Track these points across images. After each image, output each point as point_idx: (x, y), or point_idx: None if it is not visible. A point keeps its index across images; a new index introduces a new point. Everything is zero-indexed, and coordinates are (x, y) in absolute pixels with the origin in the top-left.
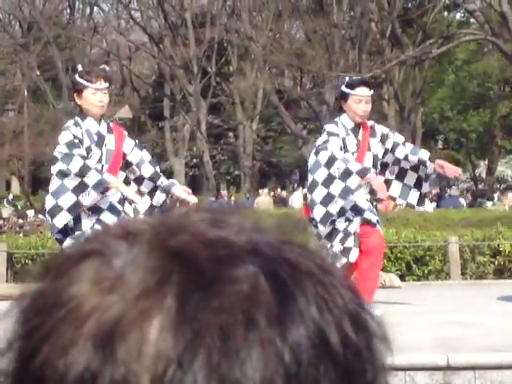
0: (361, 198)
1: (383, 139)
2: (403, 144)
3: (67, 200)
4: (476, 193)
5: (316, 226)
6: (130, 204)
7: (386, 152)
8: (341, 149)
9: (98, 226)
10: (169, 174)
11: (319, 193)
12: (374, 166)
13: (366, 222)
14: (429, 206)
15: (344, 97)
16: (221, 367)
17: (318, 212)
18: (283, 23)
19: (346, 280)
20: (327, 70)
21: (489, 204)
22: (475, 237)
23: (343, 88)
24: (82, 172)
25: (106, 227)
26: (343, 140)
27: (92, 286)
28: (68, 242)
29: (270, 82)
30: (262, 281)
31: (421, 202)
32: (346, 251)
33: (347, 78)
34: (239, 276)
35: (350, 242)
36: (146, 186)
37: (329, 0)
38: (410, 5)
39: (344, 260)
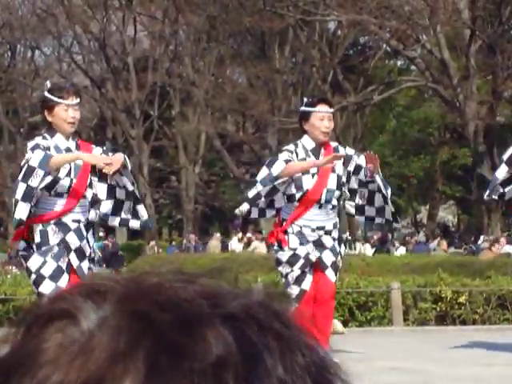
0: (327, 237)
1: (346, 162)
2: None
3: (19, 190)
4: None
5: (277, 251)
6: (93, 234)
7: (348, 175)
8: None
9: (61, 246)
10: None
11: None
12: (338, 187)
13: (320, 264)
14: (368, 250)
15: (305, 116)
16: None
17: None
18: (225, 68)
19: (313, 339)
20: (269, 115)
21: (399, 251)
22: (417, 283)
23: (303, 108)
24: (28, 159)
25: (74, 285)
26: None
27: (61, 350)
28: (35, 257)
29: (213, 126)
30: (231, 342)
31: (395, 217)
32: (301, 277)
33: (305, 99)
34: (208, 337)
35: (307, 270)
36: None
37: (271, 46)
38: (351, 51)
39: (297, 290)
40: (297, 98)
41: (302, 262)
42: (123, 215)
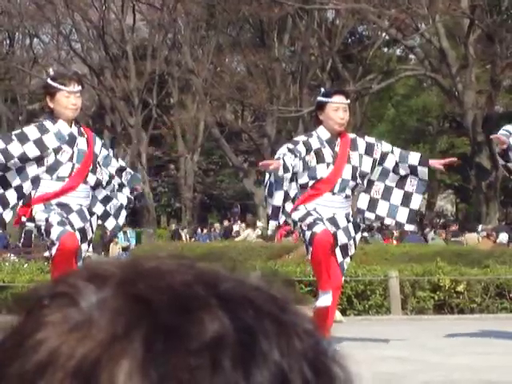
0: (340, 215)
1: (369, 150)
2: (392, 152)
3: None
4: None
5: (292, 213)
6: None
7: (373, 163)
8: (292, 153)
9: (67, 226)
10: None
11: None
12: (353, 178)
13: (334, 240)
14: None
15: (321, 106)
16: None
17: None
18: (224, 57)
19: (310, 323)
20: (268, 104)
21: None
22: (415, 271)
23: (319, 98)
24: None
25: (75, 270)
26: (318, 152)
27: (60, 330)
28: (40, 212)
29: (211, 114)
30: (227, 324)
31: (411, 219)
32: (313, 224)
33: (322, 89)
34: (204, 320)
35: (319, 220)
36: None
37: (270, 34)
38: (349, 40)
39: (308, 234)
40: (295, 86)
41: (314, 216)
42: (107, 208)
